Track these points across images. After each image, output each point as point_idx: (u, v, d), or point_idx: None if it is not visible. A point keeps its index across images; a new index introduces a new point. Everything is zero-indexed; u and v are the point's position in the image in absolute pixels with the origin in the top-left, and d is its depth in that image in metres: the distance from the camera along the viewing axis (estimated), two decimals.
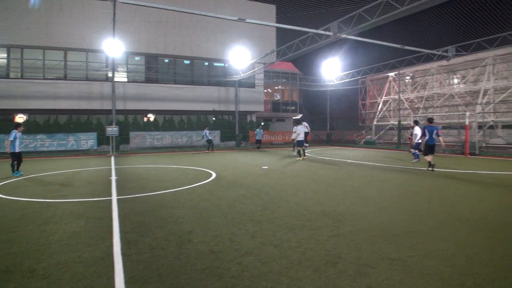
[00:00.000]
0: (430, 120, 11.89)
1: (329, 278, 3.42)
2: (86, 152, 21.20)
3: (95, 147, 21.81)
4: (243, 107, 28.18)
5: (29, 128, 21.66)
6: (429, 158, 11.61)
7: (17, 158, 11.16)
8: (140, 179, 10.09)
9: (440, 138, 11.74)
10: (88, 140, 21.62)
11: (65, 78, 23.30)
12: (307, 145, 19.74)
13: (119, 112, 23.14)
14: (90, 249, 4.34)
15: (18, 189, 8.77)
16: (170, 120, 26.06)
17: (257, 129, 24.45)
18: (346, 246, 4.29)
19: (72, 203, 7.00)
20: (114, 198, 7.37)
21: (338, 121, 34.55)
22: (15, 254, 4.24)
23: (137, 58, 25.68)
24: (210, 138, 21.73)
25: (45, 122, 22.62)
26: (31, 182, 10.00)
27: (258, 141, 24.11)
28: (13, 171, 11.11)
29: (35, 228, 5.28)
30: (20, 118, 22.94)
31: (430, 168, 11.42)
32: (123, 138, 22.54)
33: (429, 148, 11.59)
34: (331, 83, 31.30)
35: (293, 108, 38.70)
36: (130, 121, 24.58)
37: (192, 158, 17.25)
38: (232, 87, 27.57)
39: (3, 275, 3.63)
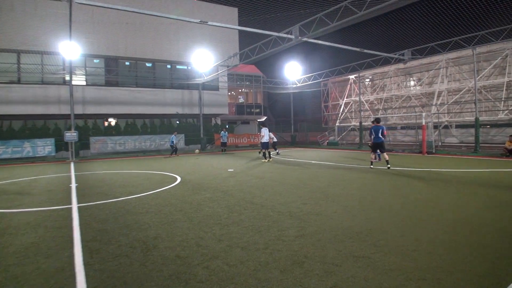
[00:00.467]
0: (377, 120, 12.66)
1: (296, 278, 3.50)
2: (43, 159, 20.18)
3: (53, 154, 20.82)
4: (207, 110, 28.03)
5: None
6: (373, 155, 12.84)
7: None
8: (102, 185, 9.77)
9: (385, 137, 12.62)
10: (45, 146, 20.61)
11: (18, 81, 22.05)
12: (277, 151, 20.08)
13: (78, 116, 22.26)
14: (49, 260, 4.16)
15: None
16: (132, 124, 25.41)
17: (222, 132, 24.43)
18: (312, 246, 4.40)
19: (29, 212, 6.66)
20: (75, 205, 7.09)
21: (302, 123, 35.21)
22: None
23: (96, 60, 24.81)
24: (174, 143, 21.48)
25: None
26: None
27: (224, 144, 24.10)
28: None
29: None
30: None
31: (371, 166, 12.62)
32: (83, 143, 21.70)
33: (376, 145, 12.47)
34: (294, 86, 31.88)
35: (257, 110, 38.96)
36: (90, 126, 23.72)
37: (156, 163, 16.94)
38: (196, 90, 27.36)
39: None
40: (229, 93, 35.54)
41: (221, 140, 24.23)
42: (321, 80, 29.92)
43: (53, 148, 20.83)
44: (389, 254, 4.05)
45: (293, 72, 29.64)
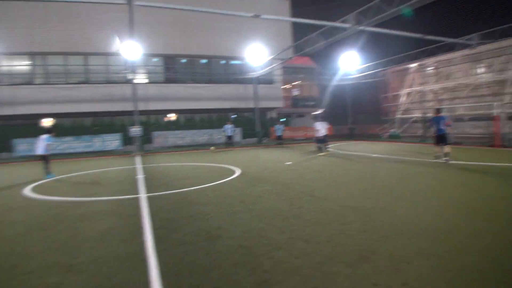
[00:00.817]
0: (438, 111, 11.88)
1: (364, 273, 3.39)
2: (111, 153, 21.73)
3: (120, 148, 22.33)
4: (262, 104, 28.18)
5: (56, 132, 22.41)
6: (437, 148, 11.68)
7: (47, 160, 11.48)
8: (166, 177, 10.26)
9: (448, 128, 11.70)
10: (113, 141, 22.20)
11: (87, 82, 23.93)
12: (325, 146, 19.36)
13: (141, 112, 23.56)
14: (124, 245, 4.46)
15: (51, 189, 9.08)
16: (190, 119, 26.38)
17: (277, 126, 24.44)
18: (377, 241, 4.23)
19: (102, 201, 7.21)
20: (143, 195, 7.53)
21: (359, 115, 34.05)
22: (53, 250, 4.41)
23: (155, 59, 26.08)
24: (230, 134, 21.79)
25: (71, 125, 23.33)
26: (62, 182, 10.33)
27: (279, 137, 24.10)
28: (47, 173, 11.38)
29: (70, 225, 5.47)
30: (48, 122, 23.70)
31: (441, 160, 11.41)
32: (146, 137, 22.97)
33: (439, 138, 11.51)
34: (351, 77, 30.87)
35: (312, 103, 38.38)
36: (152, 121, 25.05)
37: (214, 156, 17.39)
38: (251, 84, 27.60)
39: (44, 270, 3.78)
40: (284, 87, 35.40)
41: (276, 134, 24.25)
42: (379, 70, 28.65)
43: (120, 142, 22.35)
44: (464, 254, 3.76)
45: (350, 62, 28.68)
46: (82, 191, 8.51)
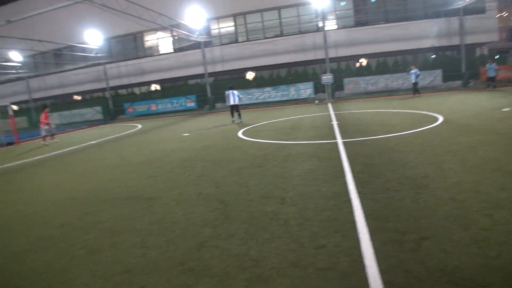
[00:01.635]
0: None
1: None
2: (305, 101, 22.99)
3: (312, 96, 23.32)
4: (470, 39, 23.45)
5: (257, 83, 25.31)
6: None
7: (234, 109, 14.66)
8: (360, 124, 10.14)
9: None
10: (306, 89, 23.35)
11: (281, 34, 25.49)
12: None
13: (331, 60, 23.66)
14: (326, 185, 4.70)
15: (257, 133, 10.42)
16: (383, 63, 24.72)
17: (488, 64, 20.04)
18: None
19: (302, 144, 7.77)
20: (339, 141, 7.69)
21: None
22: (266, 184, 5.07)
23: (342, 3, 25.14)
24: (416, 81, 18.85)
25: (269, 76, 25.74)
26: (266, 127, 11.67)
27: (491, 79, 19.78)
28: (233, 117, 14.77)
29: (278, 164, 6.16)
30: (250, 75, 26.88)
31: None
32: (337, 85, 23.10)
33: None
34: None
35: None
36: (343, 68, 24.81)
37: (413, 102, 15.92)
38: (454, 16, 23.18)
39: (262, 200, 4.41)
40: (499, 15, 28.30)
41: (488, 75, 19.98)
42: None
43: (312, 91, 23.30)
44: None
45: None
46: (284, 136, 9.38)
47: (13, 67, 28.93)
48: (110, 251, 3.49)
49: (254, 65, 25.99)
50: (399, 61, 24.66)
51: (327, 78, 21.06)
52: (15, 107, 26.24)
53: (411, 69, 19.09)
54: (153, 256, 3.26)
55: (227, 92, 15.62)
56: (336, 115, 13.15)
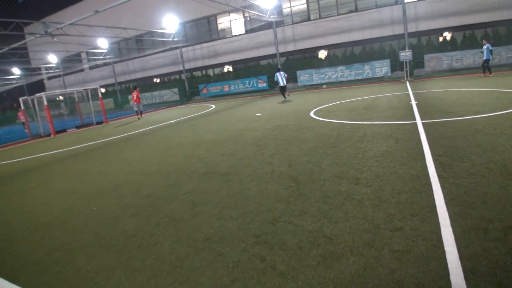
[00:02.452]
0: None
1: None
2: (380, 79, 21.82)
3: (389, 74, 22.01)
4: None
5: (330, 62, 24.56)
6: None
7: (283, 89, 16.79)
8: (442, 104, 9.37)
9: None
10: (382, 68, 22.07)
11: (356, 10, 24.17)
12: None
13: (411, 35, 21.96)
14: (404, 167, 4.51)
15: (330, 113, 10.22)
16: (471, 37, 22.24)
17: None
18: None
19: (378, 125, 7.46)
20: (419, 121, 7.24)
21: None
22: (340, 164, 5.01)
23: None
24: (487, 57, 16.19)
25: (343, 54, 24.76)
26: (339, 107, 11.38)
27: None
28: (285, 97, 16.81)
29: (352, 145, 6.02)
30: (322, 54, 26.14)
31: None
32: (416, 62, 21.46)
33: None
34: None
35: None
36: (424, 43, 22.87)
37: (505, 80, 14.22)
38: None
39: (335, 180, 4.39)
40: None
41: None
42: None
43: (389, 69, 21.95)
44: None
45: None
46: (358, 116, 9.08)
47: (101, 54, 31.91)
48: (191, 220, 3.80)
49: (327, 43, 25.17)
50: (490, 34, 21.97)
51: (405, 54, 19.66)
52: (103, 90, 29.06)
53: (483, 44, 16.72)
54: (230, 227, 3.47)
55: (276, 76, 16.77)
56: (415, 94, 12.30)
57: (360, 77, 22.53)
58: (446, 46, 22.37)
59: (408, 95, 12.37)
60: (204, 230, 3.51)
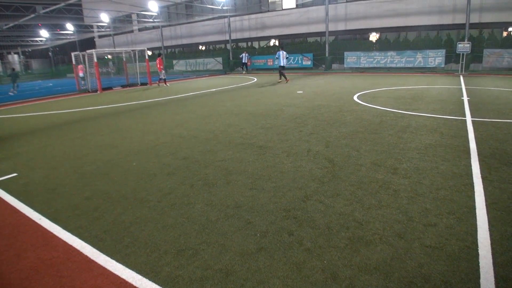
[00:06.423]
0: None
1: None
2: (433, 70, 20.68)
3: (442, 65, 20.79)
4: None
5: (380, 46, 23.48)
6: None
7: (281, 70, 16.22)
8: (497, 103, 8.77)
9: None
10: (436, 58, 20.82)
11: None
12: None
13: (472, 26, 20.44)
14: (447, 163, 4.33)
15: (374, 99, 9.89)
16: None
17: None
18: None
19: (424, 117, 7.15)
20: (469, 118, 6.86)
21: None
22: (379, 152, 4.89)
23: None
24: None
25: (395, 39, 23.54)
26: (385, 94, 10.97)
27: None
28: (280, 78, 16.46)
29: (394, 134, 5.84)
30: (373, 37, 25.03)
31: None
32: (475, 56, 20.07)
33: None
34: None
35: None
36: (485, 37, 21.25)
37: None
38: None
39: (372, 167, 4.30)
40: None
41: None
42: None
43: (443, 60, 20.69)
44: None
45: None
46: (403, 105, 8.73)
47: (150, 16, 32.35)
48: (224, 186, 3.90)
49: (380, 26, 23.95)
50: None
51: (463, 46, 18.40)
52: (149, 52, 29.61)
53: None
54: (261, 198, 3.54)
55: (278, 54, 16.26)
56: (468, 89, 11.58)
57: (410, 65, 21.43)
58: (510, 43, 20.66)
59: (461, 89, 11.67)
60: (235, 197, 3.59)
